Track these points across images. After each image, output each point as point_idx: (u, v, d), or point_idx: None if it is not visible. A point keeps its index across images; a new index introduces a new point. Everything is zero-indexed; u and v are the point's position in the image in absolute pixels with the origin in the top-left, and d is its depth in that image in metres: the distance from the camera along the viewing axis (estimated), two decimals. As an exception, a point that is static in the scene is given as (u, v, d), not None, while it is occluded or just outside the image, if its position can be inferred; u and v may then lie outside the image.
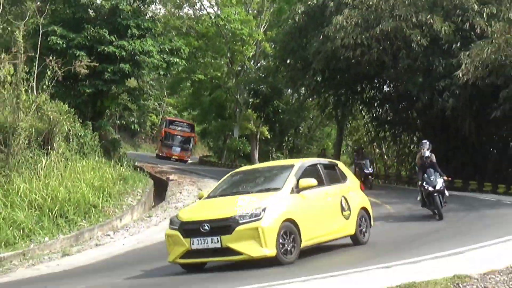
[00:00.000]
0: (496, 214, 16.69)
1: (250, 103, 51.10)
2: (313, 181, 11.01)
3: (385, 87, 35.87)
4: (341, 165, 13.68)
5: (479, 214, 16.98)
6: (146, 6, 30.60)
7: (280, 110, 51.32)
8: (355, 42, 27.05)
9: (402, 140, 37.43)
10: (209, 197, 11.88)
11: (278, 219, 10.04)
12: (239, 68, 50.12)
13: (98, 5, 26.76)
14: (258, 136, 51.42)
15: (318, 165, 12.26)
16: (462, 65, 23.62)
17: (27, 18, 22.66)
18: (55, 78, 21.22)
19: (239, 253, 9.78)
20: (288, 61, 36.94)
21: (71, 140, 22.20)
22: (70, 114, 22.48)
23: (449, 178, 17.29)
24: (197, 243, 10.02)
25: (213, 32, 44.45)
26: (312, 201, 11.15)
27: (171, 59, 28.65)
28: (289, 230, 10.14)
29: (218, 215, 10.21)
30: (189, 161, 53.90)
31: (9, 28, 21.58)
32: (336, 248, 12.26)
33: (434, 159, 17.01)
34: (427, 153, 16.92)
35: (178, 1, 43.67)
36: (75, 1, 26.78)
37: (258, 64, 51.54)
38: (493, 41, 23.15)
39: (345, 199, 11.98)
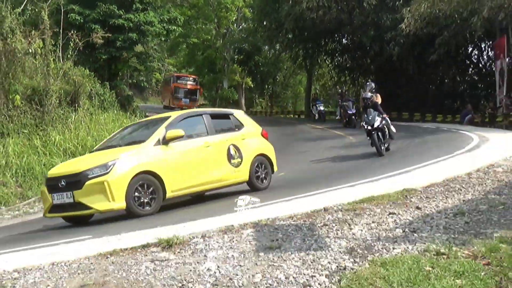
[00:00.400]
0: (435, 139, 16.60)
1: (236, 59, 50.55)
2: (180, 132, 9.26)
3: (343, 40, 35.61)
4: (238, 113, 11.62)
5: (422, 140, 16.90)
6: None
7: (260, 64, 51.20)
8: (318, 5, 26.75)
9: (359, 83, 37.33)
10: (94, 150, 10.46)
11: (128, 172, 8.48)
12: (225, 31, 49.35)
13: (107, -16, 25.94)
14: (244, 86, 51.13)
15: (202, 116, 10.45)
16: (404, 19, 23.40)
17: (49, 0, 22.00)
18: (77, 48, 20.81)
19: (89, 208, 8.33)
20: (265, 23, 36.47)
21: (93, 98, 21.82)
22: (90, 77, 22.08)
23: (386, 116, 14.65)
24: (57, 198, 8.63)
25: (202, 2, 43.59)
26: (183, 152, 9.48)
27: (169, 27, 28.04)
28: (147, 182, 8.60)
29: (72, 170, 8.76)
30: None
31: (35, 9, 20.94)
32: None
33: (377, 99, 15.06)
34: (368, 95, 14.82)
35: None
36: (89, -17, 26.10)
37: (240, 27, 50.75)
38: (428, -3, 22.87)
39: (235, 147, 10.29)
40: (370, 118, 13.90)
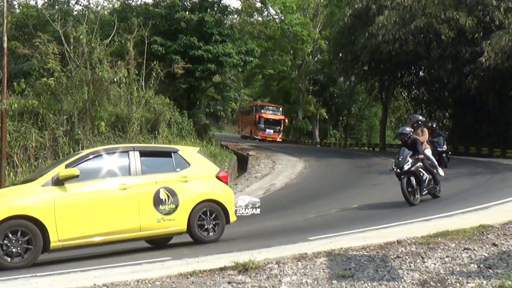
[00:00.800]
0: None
1: (310, 90, 51.01)
2: (75, 171, 7.74)
3: (420, 72, 35.17)
4: (185, 151, 9.58)
5: (502, 176, 16.33)
6: (225, 16, 30.97)
7: (335, 95, 51.65)
8: (394, 37, 26.60)
9: (436, 116, 36.63)
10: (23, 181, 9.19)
11: None
12: (300, 62, 49.90)
13: (189, 18, 27.07)
14: (318, 117, 51.25)
15: (129, 152, 8.62)
16: (484, 52, 22.96)
17: (134, 32, 23.16)
18: (159, 78, 21.78)
19: None
20: (340, 55, 36.59)
21: (172, 126, 22.62)
22: (170, 106, 22.93)
23: (426, 157, 12.54)
24: None
25: (279, 35, 44.35)
26: (83, 194, 7.95)
27: (246, 58, 28.90)
28: (22, 228, 7.25)
29: None
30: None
31: (122, 41, 22.14)
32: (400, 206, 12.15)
33: (422, 135, 13.33)
34: (406, 130, 12.63)
35: (250, 10, 43.57)
36: (170, 16, 27.34)
37: (316, 58, 51.16)
38: (510, 31, 22.40)
39: (168, 190, 8.51)
40: (400, 159, 11.70)
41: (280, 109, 47.01)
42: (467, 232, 6.83)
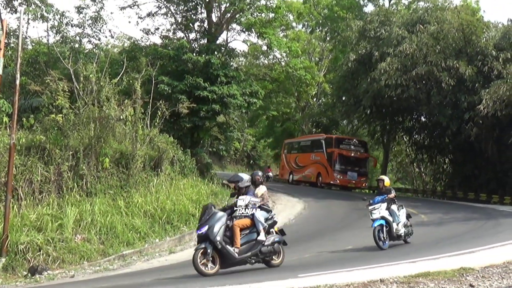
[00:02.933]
0: (509, 222, 16.43)
1: (313, 132, 51.59)
2: None
3: (421, 118, 35.78)
4: None
5: (496, 222, 16.76)
6: (231, 59, 31.82)
7: (337, 138, 51.86)
8: (396, 83, 27.35)
9: (437, 161, 37.09)
10: None
11: None
12: (304, 104, 50.67)
13: (196, 60, 27.80)
14: (320, 158, 51.71)
15: None
16: (483, 100, 23.58)
17: (142, 72, 23.79)
18: (164, 117, 22.31)
19: None
20: (343, 98, 37.35)
21: (175, 164, 22.86)
22: (174, 144, 23.26)
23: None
24: None
25: (283, 78, 45.15)
26: None
27: (251, 100, 29.47)
28: None
29: None
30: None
31: (130, 81, 22.76)
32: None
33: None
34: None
35: (256, 53, 44.66)
36: (178, 57, 28.14)
37: (319, 101, 51.97)
38: (508, 80, 23.07)
39: None
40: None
41: (365, 144, 37.19)
42: (447, 273, 7.25)
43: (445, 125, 28.35)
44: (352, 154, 34.79)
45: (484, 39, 27.75)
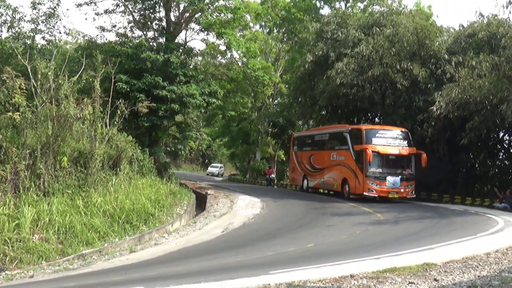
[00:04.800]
0: (462, 220, 17.05)
1: (269, 132, 51.98)
2: None
3: (376, 118, 36.47)
4: None
5: (449, 221, 17.34)
6: (190, 58, 31.83)
7: (293, 138, 52.29)
8: (352, 83, 27.91)
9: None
10: None
11: None
12: (260, 104, 51.01)
13: (154, 58, 27.70)
14: (276, 158, 52.19)
15: None
16: (436, 102, 24.29)
17: (99, 69, 23.53)
18: (123, 116, 22.15)
19: None
20: (300, 99, 37.66)
21: (133, 163, 22.83)
22: (132, 143, 23.21)
23: None
24: None
25: (241, 77, 45.31)
26: None
27: (210, 99, 29.58)
28: None
29: None
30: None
31: (90, 79, 22.48)
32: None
33: None
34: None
35: (213, 52, 44.67)
36: (136, 56, 27.97)
37: (276, 101, 52.44)
38: (460, 83, 23.78)
39: None
40: None
41: (406, 134, 26.26)
42: (412, 268, 7.59)
43: (399, 124, 29.02)
44: (392, 151, 25.00)
45: (437, 43, 28.63)
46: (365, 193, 25.00)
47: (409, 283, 6.81)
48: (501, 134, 30.96)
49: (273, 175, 40.64)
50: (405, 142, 25.71)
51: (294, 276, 7.13)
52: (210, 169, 67.82)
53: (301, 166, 32.97)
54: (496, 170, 30.84)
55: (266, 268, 8.28)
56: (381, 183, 24.75)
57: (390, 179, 24.80)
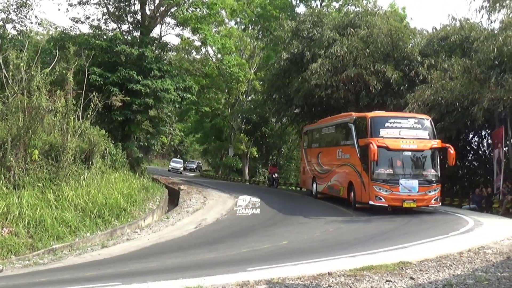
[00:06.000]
0: (433, 220, 17.26)
1: (243, 128, 51.92)
2: None
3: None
4: None
5: (420, 219, 17.50)
6: (165, 53, 31.57)
7: (266, 135, 52.63)
8: (326, 84, 27.99)
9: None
10: None
11: None
12: (234, 101, 50.93)
13: (129, 52, 27.40)
14: (248, 155, 52.21)
15: None
16: (408, 104, 24.56)
17: (71, 61, 23.21)
18: (96, 109, 21.89)
19: None
20: (274, 96, 37.63)
21: (106, 157, 22.61)
22: (105, 137, 22.99)
23: None
24: None
25: (216, 73, 45.14)
26: None
27: (184, 95, 29.42)
28: None
29: None
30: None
31: (63, 71, 22.15)
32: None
33: None
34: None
35: (188, 48, 44.41)
36: (111, 49, 27.63)
37: (249, 98, 52.41)
38: (432, 85, 24.05)
39: None
40: None
41: (430, 123, 20.72)
42: (388, 267, 7.67)
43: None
44: (407, 145, 19.43)
45: (410, 45, 28.88)
46: (371, 202, 19.08)
47: (386, 281, 6.88)
48: (470, 136, 31.52)
49: (276, 174, 37.88)
50: (426, 133, 20.03)
51: (272, 273, 7.14)
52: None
53: (310, 166, 27.90)
54: (465, 171, 31.34)
55: (242, 265, 8.27)
56: (392, 188, 18.89)
57: (404, 182, 18.98)
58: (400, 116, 21.08)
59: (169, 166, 62.82)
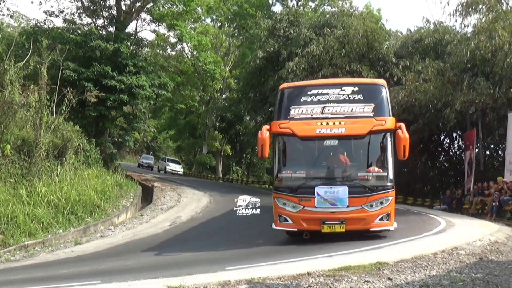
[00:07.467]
0: (405, 220, 17.33)
1: (217, 126, 51.88)
2: None
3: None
4: None
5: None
6: (140, 49, 31.36)
7: (240, 133, 52.57)
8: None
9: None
10: None
11: None
12: (209, 98, 50.81)
13: (104, 47, 27.14)
14: (222, 153, 52.15)
15: None
16: (383, 105, 24.83)
17: (44, 55, 22.92)
18: (70, 105, 21.68)
19: None
20: (249, 94, 37.66)
21: (79, 153, 22.44)
22: (78, 133, 22.80)
23: None
24: None
25: (192, 71, 44.99)
26: None
27: (159, 91, 29.31)
28: None
29: None
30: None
31: (37, 65, 21.84)
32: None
33: None
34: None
35: (163, 44, 44.14)
36: (85, 44, 27.32)
37: (224, 96, 52.36)
38: (406, 87, 24.39)
39: None
40: None
41: (378, 89, 12.76)
42: (366, 267, 7.78)
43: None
44: (327, 130, 12.03)
45: (386, 46, 29.19)
46: (273, 226, 12.36)
47: (365, 281, 6.99)
48: (442, 137, 32.06)
49: None
50: (369, 108, 12.18)
51: (252, 273, 7.19)
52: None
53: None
54: (436, 172, 31.86)
55: (221, 264, 8.30)
56: (303, 201, 11.81)
57: (323, 192, 11.69)
58: (327, 84, 13.76)
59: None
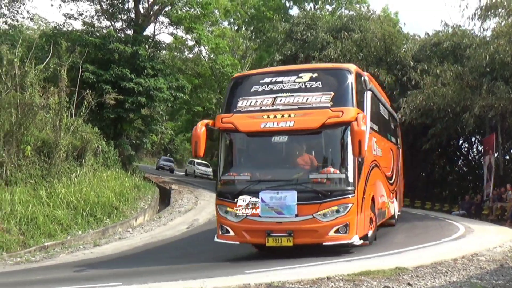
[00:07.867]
0: (424, 225, 17.25)
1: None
2: None
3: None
4: None
5: (411, 225, 17.37)
6: (158, 52, 31.55)
7: (258, 134, 52.12)
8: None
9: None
10: None
11: None
12: (225, 101, 50.66)
13: (122, 50, 27.32)
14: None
15: None
16: (400, 108, 24.71)
17: (62, 57, 23.15)
18: (89, 107, 21.86)
19: None
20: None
21: (98, 155, 22.57)
22: (97, 135, 22.96)
23: None
24: None
25: (209, 73, 45.07)
26: None
27: (177, 94, 29.42)
28: None
29: None
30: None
31: (57, 68, 22.04)
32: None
33: None
34: None
35: (181, 47, 44.33)
36: (104, 46, 27.54)
37: (241, 99, 52.20)
38: (424, 91, 24.19)
39: None
40: None
41: (342, 75, 11.04)
42: (386, 272, 7.75)
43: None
44: (273, 124, 10.44)
45: (403, 50, 29.05)
46: (215, 238, 11.06)
47: (385, 286, 6.97)
48: (461, 142, 31.81)
49: None
50: (327, 97, 10.54)
51: (272, 277, 7.21)
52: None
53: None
54: (455, 176, 31.63)
55: (240, 267, 8.35)
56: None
57: (268, 198, 10.17)
58: (282, 71, 12.44)
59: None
